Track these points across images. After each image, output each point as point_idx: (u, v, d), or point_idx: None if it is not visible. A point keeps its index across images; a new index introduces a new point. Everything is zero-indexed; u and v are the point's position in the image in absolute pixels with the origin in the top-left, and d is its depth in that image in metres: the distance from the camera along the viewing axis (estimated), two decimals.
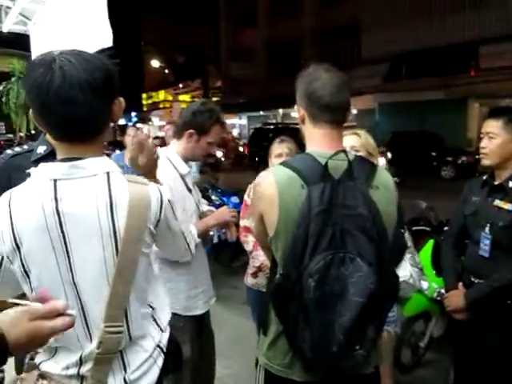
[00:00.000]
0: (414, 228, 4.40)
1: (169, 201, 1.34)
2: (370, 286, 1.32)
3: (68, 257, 1.20)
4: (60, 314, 0.93)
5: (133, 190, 1.23)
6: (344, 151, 1.44)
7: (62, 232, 1.19)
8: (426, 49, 18.96)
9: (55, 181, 1.20)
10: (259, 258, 2.74)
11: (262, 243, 1.68)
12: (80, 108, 1.15)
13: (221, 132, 2.35)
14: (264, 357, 1.57)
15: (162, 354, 1.37)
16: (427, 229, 4.35)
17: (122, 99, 1.27)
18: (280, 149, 2.83)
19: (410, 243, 2.51)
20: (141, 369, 1.31)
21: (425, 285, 3.33)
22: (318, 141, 1.52)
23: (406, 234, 2.52)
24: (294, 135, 2.38)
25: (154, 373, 1.34)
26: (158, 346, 1.37)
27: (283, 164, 1.51)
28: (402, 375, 3.42)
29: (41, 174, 1.23)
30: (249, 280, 2.96)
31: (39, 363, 1.32)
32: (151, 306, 1.35)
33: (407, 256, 2.41)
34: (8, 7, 6.44)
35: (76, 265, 1.21)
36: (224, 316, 4.26)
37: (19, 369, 1.93)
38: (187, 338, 2.27)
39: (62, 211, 1.19)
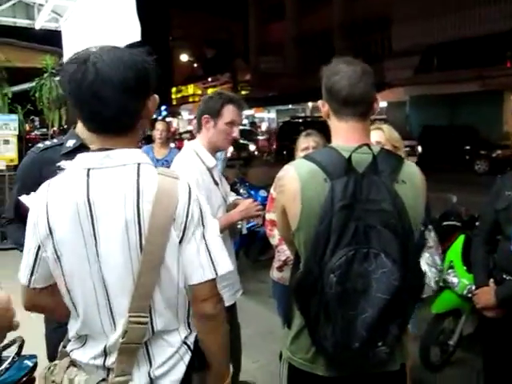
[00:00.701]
0: (444, 223, 4.31)
1: (200, 206, 1.30)
2: (393, 283, 1.30)
3: (96, 245, 1.23)
4: None
5: (161, 182, 1.23)
6: (368, 144, 1.42)
7: (92, 220, 1.22)
8: (458, 40, 18.48)
9: (88, 170, 1.24)
10: (285, 251, 2.73)
11: (284, 237, 1.67)
12: (109, 105, 1.19)
13: (235, 111, 2.35)
14: (288, 350, 1.57)
15: (190, 352, 1.34)
16: (458, 224, 4.26)
17: (156, 96, 1.29)
18: (306, 142, 2.81)
19: (432, 243, 2.45)
20: (166, 364, 1.30)
21: (455, 281, 3.26)
22: (342, 135, 1.50)
23: (432, 234, 2.47)
24: (323, 129, 2.40)
25: (180, 370, 1.31)
26: (185, 343, 1.34)
27: (306, 157, 1.50)
28: (431, 374, 3.37)
29: (77, 163, 1.27)
30: (274, 274, 2.96)
31: (70, 351, 1.36)
32: (179, 302, 1.33)
33: (425, 255, 2.36)
34: (41, 5, 6.59)
35: (102, 254, 1.23)
36: (251, 309, 4.28)
37: (52, 358, 1.98)
38: None
39: (93, 200, 1.22)
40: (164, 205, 1.22)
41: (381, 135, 2.35)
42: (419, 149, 16.59)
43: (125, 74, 1.18)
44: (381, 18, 22.61)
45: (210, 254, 1.29)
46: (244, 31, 37.29)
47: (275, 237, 2.84)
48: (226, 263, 1.32)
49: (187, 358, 1.33)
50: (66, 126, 9.68)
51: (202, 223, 1.29)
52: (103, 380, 1.26)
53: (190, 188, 1.28)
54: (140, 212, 1.20)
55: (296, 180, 1.43)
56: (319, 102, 1.57)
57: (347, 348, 1.33)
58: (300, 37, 28.83)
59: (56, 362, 1.38)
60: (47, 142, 2.12)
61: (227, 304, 2.37)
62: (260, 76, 31.93)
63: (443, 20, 19.17)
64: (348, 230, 1.31)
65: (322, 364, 1.46)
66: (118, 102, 1.19)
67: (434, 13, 19.21)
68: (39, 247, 1.28)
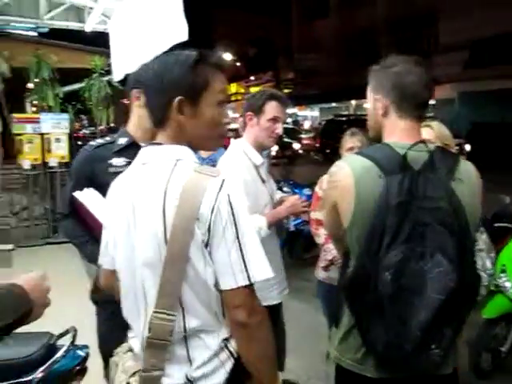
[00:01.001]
0: (496, 225, 4.16)
1: (231, 206, 1.21)
2: (449, 283, 1.26)
3: (135, 240, 1.27)
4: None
5: (192, 179, 1.22)
6: (423, 142, 1.39)
7: (134, 215, 1.28)
8: (510, 34, 17.74)
9: (142, 165, 1.32)
10: (331, 251, 2.71)
11: (333, 234, 1.65)
12: (147, 102, 1.36)
13: (278, 107, 2.35)
14: (335, 350, 1.55)
15: (232, 359, 1.28)
16: (510, 226, 4.10)
17: (178, 99, 1.28)
18: (352, 142, 2.79)
19: (483, 245, 2.36)
20: (204, 367, 1.26)
21: (508, 285, 3.14)
22: (398, 133, 1.48)
23: (484, 236, 2.38)
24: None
25: (220, 376, 1.26)
26: (227, 348, 1.29)
27: (359, 153, 1.48)
28: (481, 380, 3.26)
29: (137, 158, 1.36)
30: (320, 273, 2.94)
31: (130, 338, 1.40)
32: (213, 302, 1.27)
33: None
34: (91, 8, 6.82)
35: (139, 248, 1.26)
36: (295, 308, 4.27)
37: (102, 348, 2.04)
38: None
39: (134, 194, 1.29)
40: (188, 203, 1.20)
41: (430, 133, 2.28)
42: (468, 147, 16.06)
43: (156, 79, 1.31)
44: (427, 11, 22.01)
45: (243, 259, 1.21)
46: (287, 29, 37.17)
47: (321, 236, 2.83)
48: (263, 269, 1.23)
49: (229, 365, 1.28)
50: (112, 125, 9.96)
51: (235, 224, 1.21)
52: (139, 371, 1.27)
53: (222, 186, 1.22)
54: (165, 208, 1.21)
55: (350, 175, 1.41)
56: (377, 97, 1.53)
57: (399, 349, 1.30)
58: (343, 33, 28.46)
59: (124, 344, 1.43)
60: (99, 140, 2.17)
61: (274, 302, 2.38)
62: (303, 74, 31.77)
63: (494, 12, 18.43)
64: (404, 227, 1.29)
65: (372, 365, 1.43)
66: (149, 100, 1.35)
67: (485, 5, 18.51)
68: (107, 233, 1.42)
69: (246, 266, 1.21)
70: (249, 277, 1.21)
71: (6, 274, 1.18)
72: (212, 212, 1.20)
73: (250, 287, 1.22)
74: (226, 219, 1.20)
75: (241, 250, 1.21)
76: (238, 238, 1.21)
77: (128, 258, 1.30)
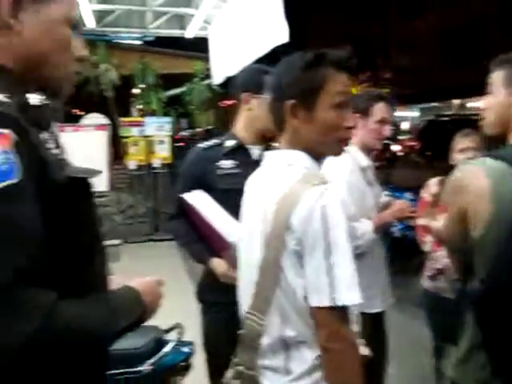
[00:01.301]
0: None
1: (325, 219, 1.13)
2: None
3: (252, 241, 1.29)
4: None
5: (293, 186, 1.19)
6: None
7: (251, 217, 1.32)
8: None
9: (265, 168, 1.35)
10: (441, 259, 2.55)
11: (453, 243, 1.53)
12: (269, 106, 1.38)
13: (385, 108, 2.29)
14: (453, 370, 1.44)
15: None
16: None
17: (290, 102, 1.26)
18: (465, 143, 2.61)
19: None
20: (300, 381, 1.19)
21: None
22: None
23: None
24: (475, 128, 2.22)
25: None
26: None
27: (491, 156, 1.36)
28: None
29: (264, 162, 1.39)
30: (425, 282, 2.79)
31: None
32: (305, 314, 1.20)
33: None
34: (192, 15, 7.10)
35: (253, 250, 1.27)
36: (394, 317, 4.10)
37: (206, 346, 2.08)
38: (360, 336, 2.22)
39: (253, 198, 1.34)
40: (282, 210, 1.17)
41: None
42: None
43: (274, 83, 1.34)
44: None
45: (331, 278, 1.12)
46: (384, 28, 36.15)
47: (428, 243, 2.68)
48: (350, 293, 1.13)
49: None
50: (210, 127, 10.30)
51: (327, 239, 1.13)
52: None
53: (319, 197, 1.14)
54: (266, 213, 1.21)
55: (483, 178, 1.31)
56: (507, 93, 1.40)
57: None
58: (443, 31, 26.99)
59: None
60: (207, 142, 2.19)
61: (375, 310, 2.29)
62: (401, 73, 30.64)
63: None
64: None
65: None
66: (270, 105, 1.36)
67: None
68: None
69: (332, 287, 1.12)
70: (334, 298, 1.12)
71: (122, 276, 1.20)
72: (304, 223, 1.14)
73: (335, 309, 1.12)
74: (318, 232, 1.13)
75: (330, 268, 1.12)
76: (328, 254, 1.13)
77: (247, 258, 1.33)
